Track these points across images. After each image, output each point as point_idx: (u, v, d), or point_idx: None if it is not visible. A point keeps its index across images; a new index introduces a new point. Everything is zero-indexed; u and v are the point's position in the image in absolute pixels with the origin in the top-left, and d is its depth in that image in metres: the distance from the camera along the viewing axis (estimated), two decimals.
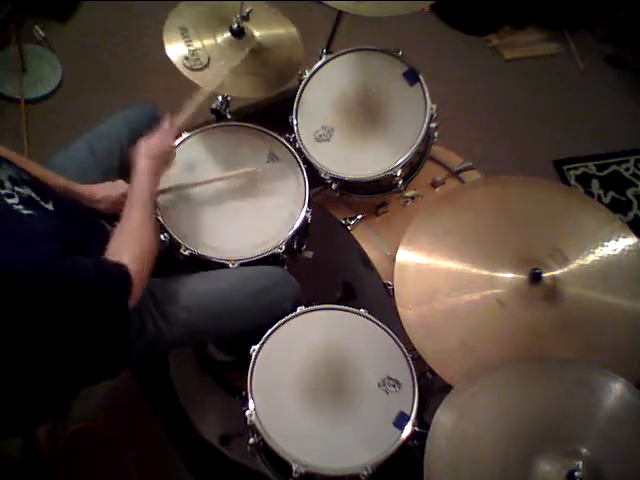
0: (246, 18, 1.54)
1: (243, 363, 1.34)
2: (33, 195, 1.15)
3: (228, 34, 1.55)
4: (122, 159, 1.48)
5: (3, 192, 1.09)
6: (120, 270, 1.12)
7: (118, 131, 1.52)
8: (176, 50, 1.51)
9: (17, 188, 1.13)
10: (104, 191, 1.38)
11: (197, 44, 1.53)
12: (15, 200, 1.09)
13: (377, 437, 1.28)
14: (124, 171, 1.43)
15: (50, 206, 1.17)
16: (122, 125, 1.53)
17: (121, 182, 1.40)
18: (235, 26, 1.54)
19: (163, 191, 1.48)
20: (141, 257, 1.17)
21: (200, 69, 1.51)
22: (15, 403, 1.13)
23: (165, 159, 1.37)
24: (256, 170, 1.53)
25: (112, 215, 1.44)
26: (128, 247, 1.17)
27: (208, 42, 1.54)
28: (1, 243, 1.00)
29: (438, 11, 2.90)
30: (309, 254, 1.62)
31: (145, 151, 1.31)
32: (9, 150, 1.24)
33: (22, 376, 1.08)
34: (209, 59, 1.52)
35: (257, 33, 1.60)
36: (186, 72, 1.50)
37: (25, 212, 1.08)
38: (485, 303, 1.25)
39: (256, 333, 1.36)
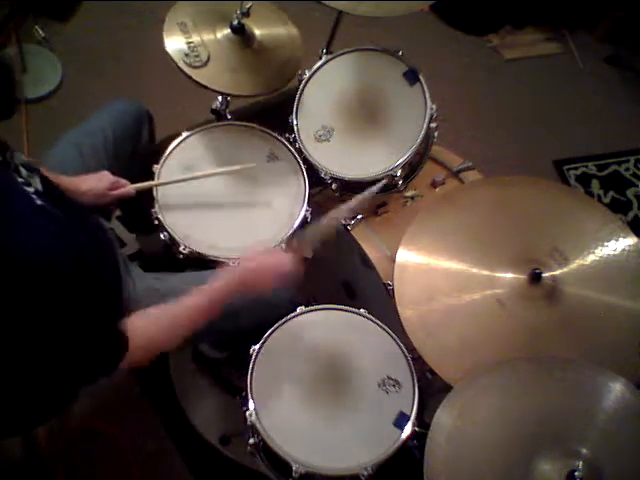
0: (246, 15, 1.54)
1: (235, 360, 1.34)
2: (42, 186, 1.14)
3: (228, 31, 1.55)
4: (108, 154, 1.48)
5: (20, 180, 1.07)
6: (119, 339, 1.08)
7: (103, 125, 1.52)
8: (175, 46, 1.51)
9: (31, 176, 1.12)
10: (88, 184, 1.37)
11: (197, 41, 1.53)
12: (31, 189, 1.08)
13: (377, 437, 1.28)
14: (110, 165, 1.44)
15: (57, 199, 1.17)
16: (107, 120, 1.53)
17: (106, 174, 1.39)
18: (236, 22, 1.54)
19: (162, 184, 1.48)
20: (149, 350, 1.13)
21: (199, 66, 1.51)
22: (15, 402, 1.13)
23: (263, 287, 1.24)
24: (254, 166, 1.52)
25: (104, 210, 1.44)
26: (152, 332, 1.13)
27: (208, 39, 1.54)
28: (32, 234, 0.98)
29: (438, 11, 2.90)
30: (309, 254, 1.62)
31: (243, 274, 1.23)
32: None
33: (20, 372, 1.08)
34: (209, 56, 1.52)
35: (257, 31, 1.60)
36: (186, 69, 1.50)
37: (39, 203, 1.08)
38: (485, 303, 1.25)
39: (256, 333, 1.36)
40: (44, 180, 1.15)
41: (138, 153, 1.58)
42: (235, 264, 1.26)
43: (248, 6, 1.54)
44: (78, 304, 1.03)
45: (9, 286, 0.95)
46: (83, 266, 1.05)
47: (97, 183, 1.37)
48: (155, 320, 1.15)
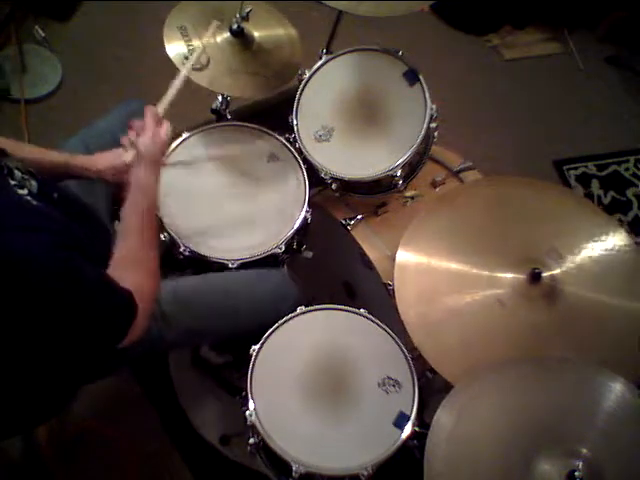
0: (246, 18, 1.54)
1: (238, 363, 1.34)
2: (39, 188, 1.14)
3: (228, 34, 1.55)
4: None
5: (13, 183, 1.08)
6: (126, 295, 1.08)
7: (113, 128, 1.51)
8: (176, 49, 1.51)
9: (25, 178, 1.12)
10: (106, 161, 1.34)
11: (197, 44, 1.53)
12: (25, 191, 1.09)
13: (377, 437, 1.28)
14: None
15: (55, 201, 1.17)
16: (117, 122, 1.52)
17: (121, 151, 1.35)
18: (235, 26, 1.54)
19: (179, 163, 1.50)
20: (141, 283, 1.13)
21: (200, 69, 1.51)
22: (14, 401, 1.13)
23: (160, 153, 1.31)
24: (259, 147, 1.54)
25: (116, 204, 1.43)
26: (131, 272, 1.12)
27: (208, 42, 1.54)
28: (15, 233, 0.98)
29: (438, 11, 2.90)
30: (309, 254, 1.62)
31: (144, 153, 1.26)
32: (6, 139, 1.23)
33: (20, 372, 1.08)
34: (208, 59, 1.52)
35: (257, 33, 1.60)
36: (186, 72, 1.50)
37: (35, 203, 1.08)
38: (485, 303, 1.25)
39: (255, 335, 1.36)
40: (41, 182, 1.15)
41: None
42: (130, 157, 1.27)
43: (247, 10, 1.54)
44: (80, 297, 1.03)
45: (6, 287, 0.95)
46: (72, 268, 1.05)
47: (115, 160, 1.33)
48: (127, 251, 1.16)
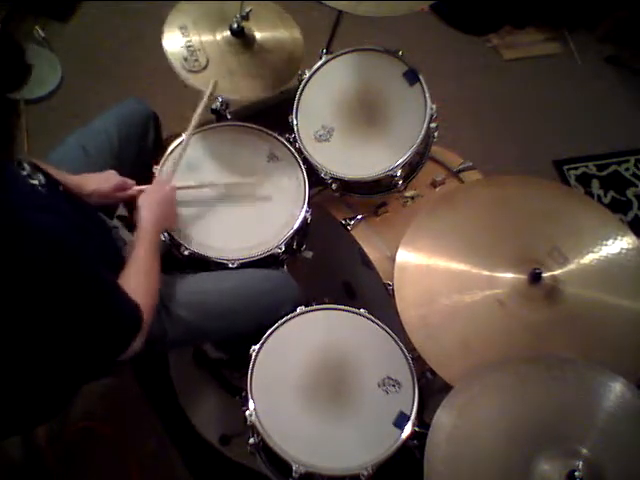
0: (246, 18, 1.54)
1: (237, 361, 1.34)
2: (46, 180, 1.15)
3: (228, 33, 1.55)
4: (113, 155, 1.48)
5: (24, 173, 1.10)
6: (134, 305, 1.13)
7: (109, 127, 1.51)
8: (175, 50, 1.51)
9: (34, 172, 1.13)
10: (94, 184, 1.36)
11: (197, 44, 1.53)
12: (35, 182, 1.10)
13: (377, 437, 1.28)
14: (115, 165, 1.43)
15: (61, 194, 1.18)
16: (113, 121, 1.53)
17: (112, 174, 1.38)
18: (235, 26, 1.54)
19: None
20: (148, 305, 1.18)
21: (198, 71, 1.50)
22: (14, 401, 1.13)
23: (169, 204, 1.40)
24: (254, 183, 1.54)
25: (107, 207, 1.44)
26: (139, 295, 1.17)
27: (208, 42, 1.54)
28: (34, 212, 1.00)
29: (438, 11, 2.90)
30: (309, 254, 1.62)
31: (147, 202, 1.34)
32: None
33: (21, 370, 1.08)
34: (208, 61, 1.52)
35: (257, 33, 1.60)
36: (184, 74, 1.50)
37: (45, 193, 1.09)
38: (485, 303, 1.25)
39: (255, 334, 1.36)
40: (47, 177, 1.16)
41: (143, 154, 1.58)
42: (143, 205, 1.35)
43: (247, 9, 1.54)
44: (85, 290, 1.03)
45: (15, 276, 0.95)
46: (88, 256, 1.06)
47: (103, 183, 1.36)
48: (137, 275, 1.21)
